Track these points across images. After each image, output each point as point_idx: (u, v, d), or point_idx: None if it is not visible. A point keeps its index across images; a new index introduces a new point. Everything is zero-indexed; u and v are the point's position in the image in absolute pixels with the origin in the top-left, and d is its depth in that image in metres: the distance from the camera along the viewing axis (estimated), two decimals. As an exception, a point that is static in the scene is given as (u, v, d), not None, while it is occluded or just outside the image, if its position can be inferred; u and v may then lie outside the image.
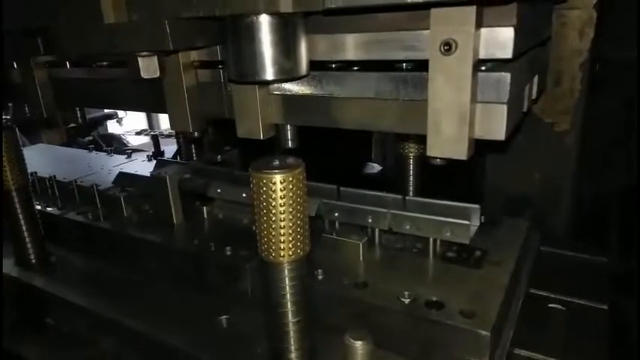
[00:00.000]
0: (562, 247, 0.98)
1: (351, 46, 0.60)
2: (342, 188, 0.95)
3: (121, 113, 2.42)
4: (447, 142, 0.54)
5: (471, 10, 0.48)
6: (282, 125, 0.71)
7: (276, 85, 0.67)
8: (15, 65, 1.02)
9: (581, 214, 1.12)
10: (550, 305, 0.83)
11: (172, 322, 0.84)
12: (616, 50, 1.25)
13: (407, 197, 0.90)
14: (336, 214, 0.92)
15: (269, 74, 0.57)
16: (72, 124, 1.49)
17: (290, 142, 0.72)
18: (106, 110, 2.26)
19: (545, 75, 0.92)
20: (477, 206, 0.83)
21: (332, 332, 0.71)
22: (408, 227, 0.86)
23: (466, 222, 0.81)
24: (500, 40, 0.51)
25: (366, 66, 0.61)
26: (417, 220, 0.85)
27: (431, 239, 0.86)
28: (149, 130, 2.53)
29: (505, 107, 0.52)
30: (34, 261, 1.08)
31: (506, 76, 0.51)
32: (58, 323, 0.97)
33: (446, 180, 1.03)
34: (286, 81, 0.65)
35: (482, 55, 0.52)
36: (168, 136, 2.15)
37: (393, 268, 0.84)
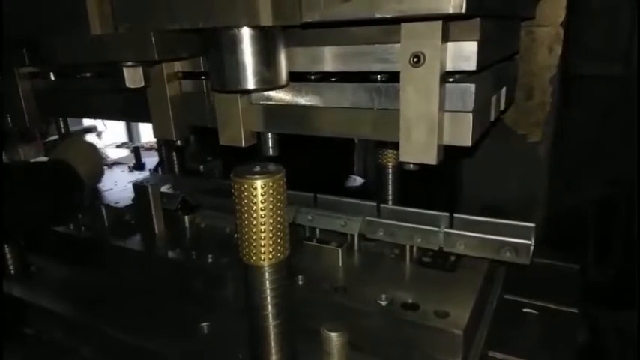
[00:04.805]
0: (536, 254, 1.01)
1: (329, 58, 0.63)
2: (318, 195, 0.98)
3: (100, 127, 2.40)
4: (417, 148, 0.57)
5: (437, 25, 0.52)
6: (263, 134, 0.73)
7: (257, 95, 0.69)
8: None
9: (555, 223, 1.16)
10: (524, 310, 0.86)
11: (154, 330, 0.84)
12: (584, 65, 1.31)
13: (381, 205, 0.93)
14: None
15: (250, 83, 0.59)
16: (50, 139, 1.48)
17: (271, 150, 0.74)
18: (85, 124, 2.25)
19: (514, 87, 0.97)
20: (446, 214, 0.86)
21: (312, 336, 0.72)
22: (381, 233, 0.89)
23: (436, 229, 0.85)
24: (465, 53, 0.54)
25: (343, 77, 0.64)
26: (390, 226, 0.88)
27: (407, 245, 0.89)
28: (130, 144, 2.52)
29: (471, 116, 0.56)
30: (12, 271, 1.07)
31: (471, 87, 0.55)
32: (37, 332, 0.97)
33: (424, 189, 1.06)
34: (267, 90, 0.67)
35: (449, 67, 0.55)
36: (149, 149, 2.14)
37: (372, 273, 0.86)
